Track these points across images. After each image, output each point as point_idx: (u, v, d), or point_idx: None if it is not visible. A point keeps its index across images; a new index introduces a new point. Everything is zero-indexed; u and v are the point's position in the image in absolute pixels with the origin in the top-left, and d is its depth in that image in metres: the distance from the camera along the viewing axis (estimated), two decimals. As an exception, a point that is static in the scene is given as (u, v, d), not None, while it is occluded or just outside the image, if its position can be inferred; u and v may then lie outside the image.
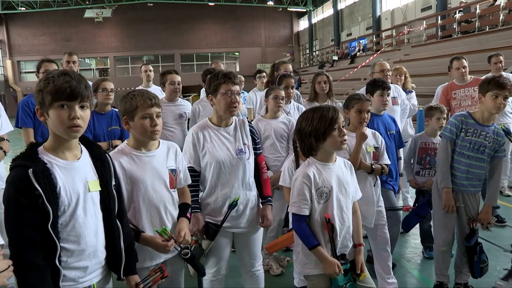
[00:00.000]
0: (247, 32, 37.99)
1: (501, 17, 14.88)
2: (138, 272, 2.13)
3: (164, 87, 4.61)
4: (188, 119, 4.71)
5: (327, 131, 2.32)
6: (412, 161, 4.18)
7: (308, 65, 36.03)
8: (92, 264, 1.86)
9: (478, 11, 16.02)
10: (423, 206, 3.86)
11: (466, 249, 3.37)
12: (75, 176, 1.80)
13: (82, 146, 1.90)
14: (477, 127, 3.26)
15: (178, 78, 4.59)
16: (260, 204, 2.95)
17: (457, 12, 17.50)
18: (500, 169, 3.37)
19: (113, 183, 1.96)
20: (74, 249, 1.79)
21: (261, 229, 2.98)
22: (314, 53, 36.23)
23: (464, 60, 5.33)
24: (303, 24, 39.43)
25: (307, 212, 2.36)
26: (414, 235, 4.63)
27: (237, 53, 38.99)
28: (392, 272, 3.43)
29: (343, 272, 2.34)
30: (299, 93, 5.22)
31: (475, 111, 3.36)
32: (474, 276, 3.43)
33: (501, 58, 5.94)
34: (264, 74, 6.34)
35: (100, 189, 1.90)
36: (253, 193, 2.90)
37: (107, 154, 2.00)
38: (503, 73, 5.99)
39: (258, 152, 2.96)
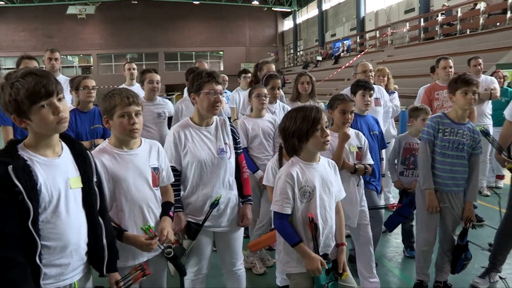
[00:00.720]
0: (232, 32, 37.95)
1: (481, 21, 15.15)
2: (121, 271, 2.13)
3: (143, 86, 4.57)
4: (169, 117, 4.70)
5: (310, 132, 2.33)
6: (396, 162, 4.22)
7: (292, 65, 36.14)
8: (73, 261, 1.85)
9: (459, 14, 16.27)
10: (406, 206, 3.90)
11: (457, 247, 3.42)
12: (56, 173, 1.78)
13: (62, 143, 1.88)
14: (453, 126, 3.33)
15: (157, 77, 4.55)
16: (241, 204, 2.96)
17: (439, 14, 17.76)
18: (478, 167, 3.45)
19: (95, 179, 1.95)
20: (56, 246, 1.77)
21: (242, 228, 2.99)
22: (298, 53, 36.36)
23: (450, 61, 5.41)
24: (287, 24, 39.56)
25: (289, 211, 2.37)
26: (396, 235, 4.68)
27: (221, 52, 38.91)
28: (374, 272, 3.46)
29: (326, 267, 2.35)
30: (282, 93, 5.23)
31: (449, 111, 3.44)
32: (454, 272, 3.49)
33: (480, 60, 6.05)
34: (250, 74, 6.33)
35: (82, 186, 1.88)
36: (234, 192, 2.90)
37: (88, 151, 1.99)
38: (482, 75, 6.11)
39: (238, 151, 2.96)
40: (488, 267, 3.72)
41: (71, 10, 31.92)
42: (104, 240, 1.96)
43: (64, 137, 1.90)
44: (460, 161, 3.34)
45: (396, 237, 4.73)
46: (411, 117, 4.19)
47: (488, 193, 6.11)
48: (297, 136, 2.35)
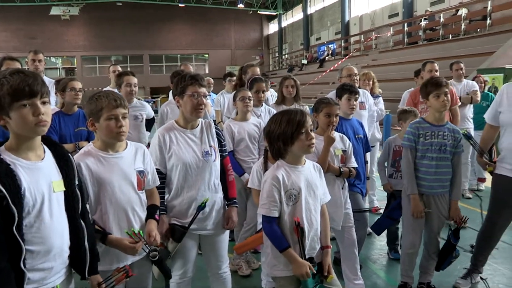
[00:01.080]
0: (217, 35, 37.94)
1: (462, 27, 15.44)
2: (105, 274, 2.12)
3: (120, 89, 4.54)
4: (147, 120, 4.74)
5: (295, 135, 2.34)
6: (386, 164, 4.24)
7: (277, 68, 36.29)
8: (57, 264, 1.83)
9: (442, 20, 16.54)
10: (395, 209, 3.91)
11: (449, 246, 3.48)
12: (39, 176, 1.76)
13: (44, 146, 1.87)
14: (433, 128, 3.39)
15: (134, 80, 4.53)
16: (226, 206, 2.96)
17: (423, 20, 18.03)
18: (461, 165, 3.49)
19: (77, 182, 1.94)
20: (40, 250, 1.75)
21: (227, 231, 2.99)
22: (283, 57, 36.51)
23: (436, 64, 5.49)
24: (273, 28, 39.72)
25: (276, 214, 2.37)
26: (380, 237, 4.72)
27: (206, 55, 38.89)
28: (359, 273, 3.49)
29: (314, 272, 2.36)
30: (269, 96, 5.24)
31: (427, 115, 3.50)
32: (439, 269, 3.56)
33: (462, 65, 6.19)
34: (235, 77, 6.35)
35: (64, 189, 1.87)
36: (219, 195, 2.90)
37: (69, 154, 1.97)
38: (463, 79, 6.23)
39: (224, 154, 2.96)
40: (470, 268, 3.78)
41: (55, 11, 31.54)
42: (86, 243, 1.95)
43: (45, 140, 1.88)
44: (445, 163, 3.38)
45: (380, 239, 4.77)
46: (400, 120, 4.22)
47: (470, 196, 6.22)
48: (282, 139, 2.37)
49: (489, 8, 14.12)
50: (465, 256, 3.95)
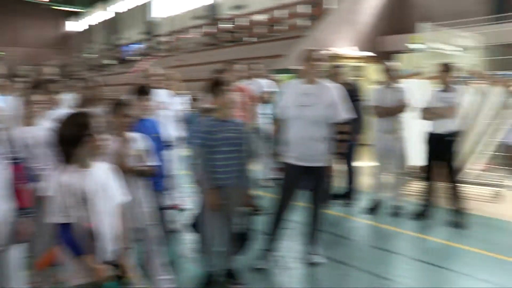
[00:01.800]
0: (12, 30, 33.95)
1: (263, 31, 17.09)
2: None
3: None
4: None
5: (81, 137, 2.31)
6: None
7: (80, 69, 34.27)
8: None
9: (248, 23, 18.05)
10: None
11: (244, 231, 3.78)
12: None
13: None
14: (222, 124, 3.65)
15: None
16: (16, 218, 2.76)
17: (223, 23, 19.25)
18: (249, 156, 3.82)
19: None
20: None
21: (18, 245, 2.78)
22: (87, 56, 34.65)
23: (238, 66, 5.87)
24: (76, 26, 37.37)
25: (68, 220, 2.30)
26: (185, 232, 4.87)
27: (2, 53, 34.54)
28: (165, 269, 3.57)
29: (115, 274, 2.36)
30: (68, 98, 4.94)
31: (216, 113, 3.72)
32: (240, 253, 3.87)
33: (255, 66, 6.86)
34: (22, 78, 5.83)
35: None
36: (7, 206, 2.69)
37: None
38: (258, 79, 6.85)
39: (13, 161, 2.75)
40: (266, 248, 4.22)
41: None
42: None
43: None
44: (235, 155, 3.66)
45: (186, 235, 4.92)
46: None
47: (268, 184, 6.85)
48: (70, 142, 2.31)
49: (267, 16, 16.03)
50: (262, 239, 4.36)
